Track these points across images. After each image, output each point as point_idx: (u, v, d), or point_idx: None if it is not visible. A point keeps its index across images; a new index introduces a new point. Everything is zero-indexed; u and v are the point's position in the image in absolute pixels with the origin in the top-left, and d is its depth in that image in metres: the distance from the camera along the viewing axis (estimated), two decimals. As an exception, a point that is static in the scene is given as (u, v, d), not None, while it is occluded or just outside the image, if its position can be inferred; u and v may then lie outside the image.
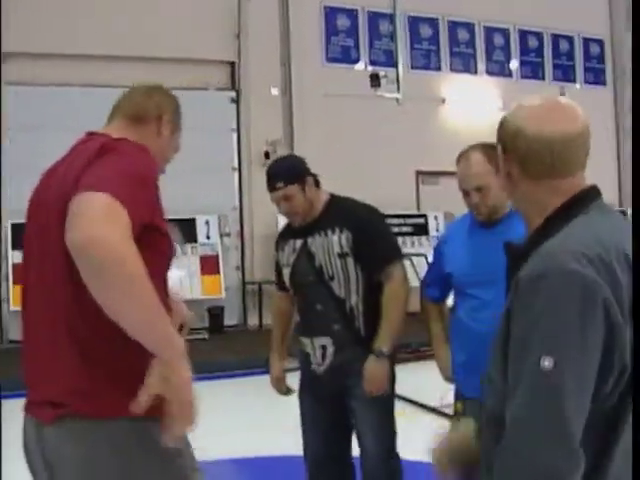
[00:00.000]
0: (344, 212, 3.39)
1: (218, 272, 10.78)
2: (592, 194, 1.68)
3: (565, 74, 14.25)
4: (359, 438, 3.43)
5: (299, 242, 3.42)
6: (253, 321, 11.09)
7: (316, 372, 3.40)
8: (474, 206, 2.95)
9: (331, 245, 3.30)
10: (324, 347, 3.35)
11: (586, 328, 1.47)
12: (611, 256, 1.52)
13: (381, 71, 10.76)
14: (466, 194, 2.97)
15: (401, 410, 5.52)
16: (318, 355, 3.37)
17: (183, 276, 10.60)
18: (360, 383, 3.26)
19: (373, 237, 3.33)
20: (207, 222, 10.89)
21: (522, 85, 13.52)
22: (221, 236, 11.04)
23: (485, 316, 2.84)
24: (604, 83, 14.62)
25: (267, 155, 11.18)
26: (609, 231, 1.60)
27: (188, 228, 10.72)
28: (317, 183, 3.40)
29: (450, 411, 3.34)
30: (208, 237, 10.88)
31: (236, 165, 11.48)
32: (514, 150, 1.71)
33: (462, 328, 2.98)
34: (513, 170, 1.72)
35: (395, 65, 10.73)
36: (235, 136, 11.47)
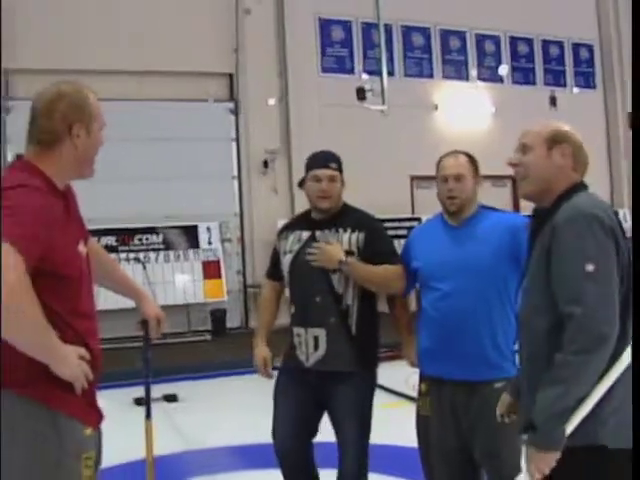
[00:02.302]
0: (358, 217, 3.68)
1: (220, 276, 11.15)
2: (584, 185, 2.50)
3: (556, 79, 14.58)
4: (339, 448, 3.60)
5: (306, 234, 3.64)
6: (254, 323, 11.45)
7: (303, 364, 3.58)
8: (449, 192, 3.31)
9: (341, 241, 3.56)
10: (317, 338, 3.54)
11: (606, 245, 2.26)
12: (614, 212, 2.38)
13: (371, 82, 11.13)
14: (444, 181, 3.34)
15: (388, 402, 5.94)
16: (310, 345, 3.56)
17: (187, 280, 11.03)
18: (342, 400, 3.51)
19: (381, 241, 3.64)
20: (209, 229, 11.27)
21: (513, 90, 13.90)
22: (222, 242, 11.42)
23: (445, 305, 3.25)
24: (594, 86, 14.94)
25: (265, 164, 11.59)
26: (604, 202, 2.46)
27: (191, 234, 11.18)
28: (343, 186, 3.70)
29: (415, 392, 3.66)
30: (210, 243, 11.25)
31: (236, 173, 11.86)
32: (576, 154, 2.50)
33: (426, 317, 3.36)
34: (567, 163, 2.49)
35: (380, 76, 11.05)
36: (235, 145, 11.85)
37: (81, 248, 2.37)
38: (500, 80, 13.94)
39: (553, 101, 14.22)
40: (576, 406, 2.21)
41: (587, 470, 2.27)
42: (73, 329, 2.26)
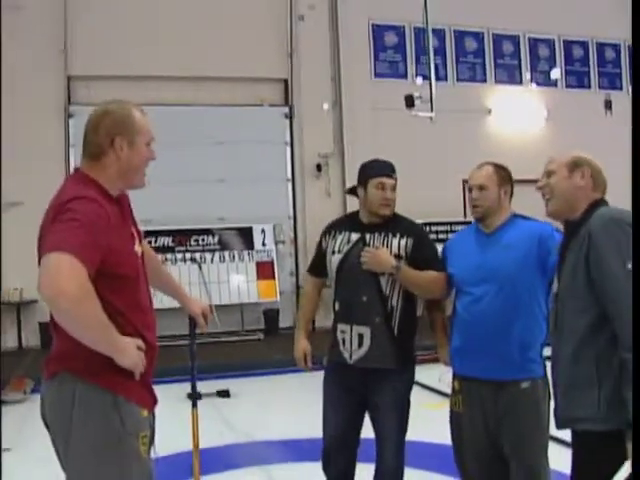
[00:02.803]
0: (406, 223, 3.88)
1: (273, 277, 11.40)
2: (605, 201, 2.83)
3: (611, 82, 14.46)
4: (378, 443, 3.80)
5: (355, 235, 3.83)
6: (320, 323, 11.66)
7: (346, 361, 3.77)
8: (473, 201, 3.54)
9: (391, 245, 3.75)
10: (361, 336, 3.72)
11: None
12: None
13: (421, 88, 11.26)
14: (470, 191, 3.58)
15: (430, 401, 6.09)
16: (355, 342, 3.74)
17: (241, 281, 11.32)
18: (382, 396, 3.72)
19: (428, 248, 3.83)
20: (263, 230, 11.53)
21: (567, 94, 13.84)
22: (276, 243, 11.66)
23: (477, 309, 3.44)
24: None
25: (319, 167, 11.81)
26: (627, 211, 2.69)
27: (245, 236, 11.46)
28: None
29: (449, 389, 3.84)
30: (264, 244, 11.51)
31: (290, 177, 12.09)
32: (595, 176, 2.84)
33: (459, 320, 3.55)
34: (588, 184, 2.82)
35: (429, 83, 11.15)
36: (289, 149, 12.09)
37: (137, 248, 2.63)
38: (553, 84, 13.91)
39: (608, 105, 14.11)
40: None
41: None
42: (132, 323, 2.53)
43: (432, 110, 10.70)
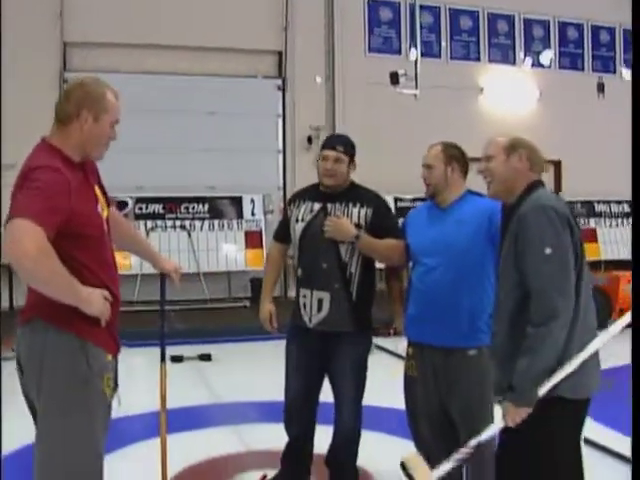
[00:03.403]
0: (366, 194, 4.08)
1: (261, 246, 11.56)
2: (541, 182, 2.96)
3: (605, 65, 14.56)
4: (336, 404, 4.03)
5: (318, 205, 4.02)
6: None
7: (306, 325, 4.00)
8: (424, 179, 3.77)
9: (351, 214, 3.95)
10: (321, 301, 3.94)
11: (561, 231, 2.70)
12: (565, 204, 2.84)
13: (410, 65, 11.36)
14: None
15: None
16: (314, 307, 3.96)
17: (230, 249, 11.54)
18: (341, 359, 3.94)
19: (387, 218, 4.06)
20: (252, 200, 11.75)
21: (560, 76, 13.97)
22: (265, 213, 11.88)
23: (429, 279, 3.64)
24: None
25: (310, 140, 11.97)
26: (557, 196, 3.00)
27: (235, 205, 11.69)
28: (353, 168, 4.09)
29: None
30: (253, 214, 11.74)
31: (281, 148, 12.28)
32: (531, 157, 2.96)
33: (413, 289, 3.76)
34: (524, 166, 2.95)
35: (415, 62, 11.23)
36: (281, 121, 12.27)
37: (99, 210, 2.84)
38: (547, 65, 14.01)
39: (601, 88, 14.23)
40: (548, 371, 2.67)
41: (549, 416, 2.73)
42: (98, 277, 2.75)
43: (417, 87, 10.81)
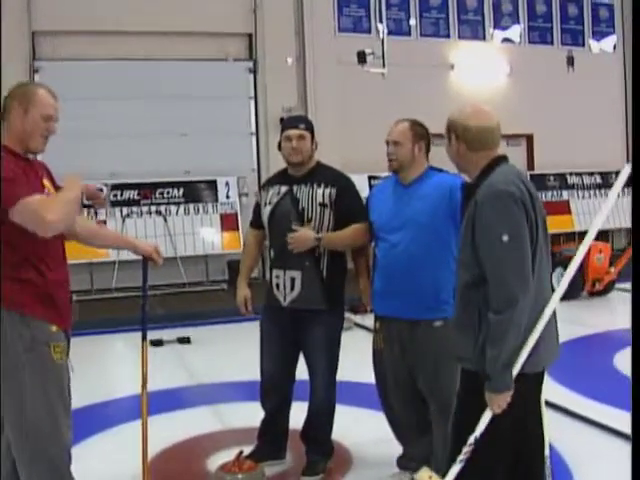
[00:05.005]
0: (331, 174, 4.18)
1: (237, 229, 11.65)
2: (503, 158, 2.92)
3: (574, 38, 14.67)
4: (311, 379, 4.15)
5: (284, 188, 4.12)
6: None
7: (281, 304, 4.10)
8: (388, 155, 3.84)
9: (316, 195, 4.05)
10: (293, 279, 4.05)
11: (518, 217, 2.70)
12: (524, 182, 2.80)
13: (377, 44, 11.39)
14: (387, 145, 3.86)
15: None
16: (287, 286, 4.06)
17: (206, 232, 11.60)
18: (314, 335, 4.05)
19: (351, 198, 4.13)
20: (227, 183, 11.78)
21: (530, 50, 14.08)
22: (240, 196, 11.92)
23: (393, 254, 3.75)
24: (613, 47, 15.02)
25: (282, 121, 11.98)
26: (517, 173, 2.86)
27: (210, 189, 11.73)
28: (315, 147, 4.17)
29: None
30: (228, 197, 11.78)
31: (254, 130, 12.29)
32: (463, 137, 2.86)
33: (378, 264, 3.86)
34: (461, 147, 2.89)
35: (382, 41, 11.28)
36: (253, 103, 12.27)
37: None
38: (517, 40, 14.10)
39: (570, 61, 14.38)
40: (515, 354, 2.72)
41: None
42: (43, 261, 3.01)
43: (384, 66, 10.88)
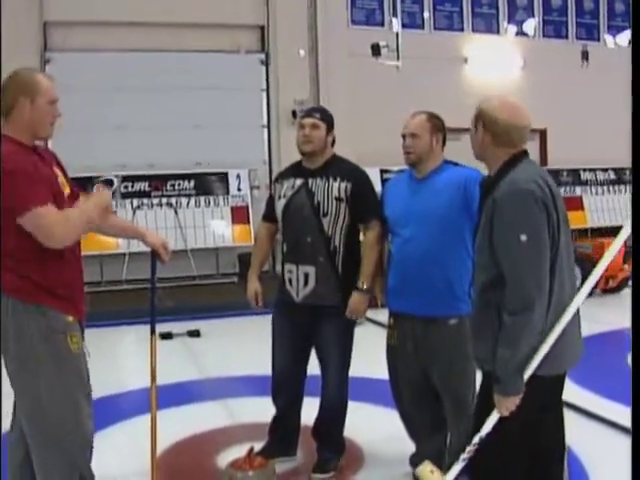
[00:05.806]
0: (346, 167, 4.10)
1: (248, 222, 11.56)
2: (524, 153, 2.86)
3: (589, 33, 14.51)
4: (323, 375, 4.11)
5: (299, 181, 4.06)
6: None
7: (294, 299, 4.04)
8: (405, 148, 3.77)
9: (331, 189, 3.98)
10: (307, 275, 3.99)
11: (538, 217, 2.62)
12: (546, 180, 2.71)
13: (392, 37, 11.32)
14: (404, 138, 3.79)
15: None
16: (301, 281, 4.00)
17: (216, 225, 11.53)
18: (327, 331, 4.00)
19: (366, 193, 4.05)
20: (238, 176, 11.68)
21: (544, 44, 13.93)
22: (251, 189, 11.82)
23: (407, 250, 3.69)
24: (628, 42, 14.85)
25: (294, 114, 11.92)
26: (539, 171, 2.81)
27: (221, 181, 11.65)
28: (333, 142, 4.12)
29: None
30: (239, 189, 11.68)
31: (265, 123, 12.19)
32: (491, 128, 2.80)
33: (392, 260, 3.81)
34: (486, 138, 2.83)
35: (397, 34, 11.19)
36: (265, 96, 12.16)
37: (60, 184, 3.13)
38: (531, 34, 13.96)
39: (585, 55, 14.23)
40: (528, 358, 2.65)
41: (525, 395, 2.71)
42: (58, 252, 3.01)
43: (398, 59, 10.79)
